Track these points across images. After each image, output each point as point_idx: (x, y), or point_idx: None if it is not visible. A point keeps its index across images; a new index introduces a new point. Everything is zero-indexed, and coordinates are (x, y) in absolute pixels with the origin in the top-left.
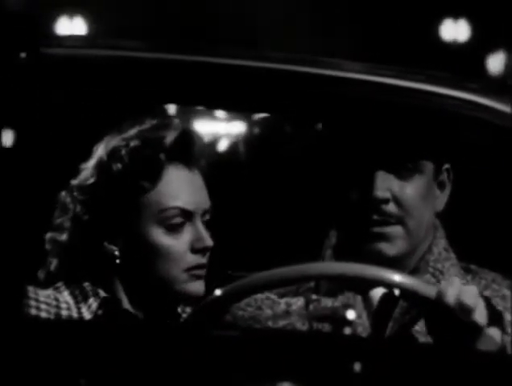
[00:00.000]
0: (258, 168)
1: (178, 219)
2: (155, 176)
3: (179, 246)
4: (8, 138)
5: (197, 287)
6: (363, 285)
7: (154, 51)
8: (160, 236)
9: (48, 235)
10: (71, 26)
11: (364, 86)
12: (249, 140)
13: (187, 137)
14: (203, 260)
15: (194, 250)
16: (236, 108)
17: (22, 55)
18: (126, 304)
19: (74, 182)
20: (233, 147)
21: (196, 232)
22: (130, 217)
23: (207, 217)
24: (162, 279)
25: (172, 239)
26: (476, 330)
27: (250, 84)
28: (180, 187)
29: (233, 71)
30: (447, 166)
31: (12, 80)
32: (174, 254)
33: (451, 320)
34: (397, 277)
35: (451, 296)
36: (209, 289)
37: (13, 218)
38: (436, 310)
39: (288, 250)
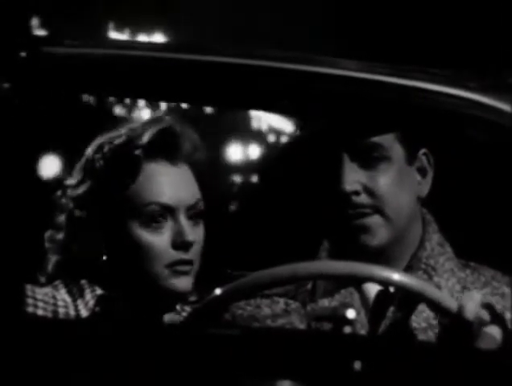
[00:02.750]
0: (257, 170)
1: (158, 215)
2: (133, 172)
3: (159, 242)
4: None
5: (182, 283)
6: (361, 284)
7: (155, 50)
8: (141, 232)
9: (47, 233)
10: None
11: (362, 84)
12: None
13: (167, 134)
14: (185, 255)
15: (175, 245)
16: (231, 106)
17: (23, 54)
18: (122, 301)
19: (67, 180)
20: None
21: (178, 228)
22: (114, 213)
23: (193, 212)
24: (145, 275)
25: (152, 235)
26: (477, 329)
27: (246, 81)
28: (160, 183)
29: (229, 69)
30: (424, 150)
31: (12, 79)
32: (154, 250)
33: (465, 332)
34: (421, 286)
35: (471, 310)
36: (209, 289)
37: (12, 217)
38: (455, 323)
39: (287, 250)
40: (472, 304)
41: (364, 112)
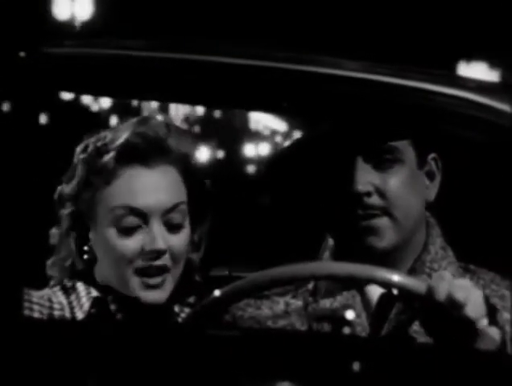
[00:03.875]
0: (258, 171)
1: (130, 220)
2: (106, 176)
3: (128, 248)
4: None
5: (153, 296)
6: (360, 284)
7: (155, 50)
8: (113, 237)
9: (52, 230)
10: None
11: (362, 85)
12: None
13: (140, 138)
14: (152, 262)
15: (143, 253)
16: (234, 106)
17: (22, 54)
18: (117, 304)
19: (63, 177)
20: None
21: (150, 234)
22: (92, 214)
23: (171, 216)
24: (117, 280)
25: (123, 240)
26: (474, 328)
27: (248, 82)
28: (132, 187)
29: (231, 69)
30: (433, 155)
31: (12, 79)
32: (124, 256)
33: (444, 316)
34: (387, 274)
35: (441, 291)
36: (209, 290)
37: (13, 217)
38: (428, 306)
39: (287, 251)
40: (442, 284)
41: (365, 112)
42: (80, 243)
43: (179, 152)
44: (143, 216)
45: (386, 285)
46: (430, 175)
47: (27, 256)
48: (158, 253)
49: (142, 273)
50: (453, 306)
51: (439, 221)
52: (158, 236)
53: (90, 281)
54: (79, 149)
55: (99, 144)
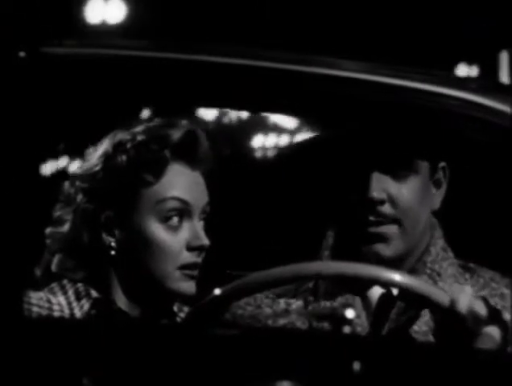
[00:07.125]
0: (258, 170)
1: (176, 212)
2: (159, 171)
3: (175, 242)
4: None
5: (189, 287)
6: (361, 285)
7: (155, 50)
8: (157, 230)
9: (48, 229)
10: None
11: (363, 86)
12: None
13: (193, 138)
14: (198, 259)
15: (190, 248)
16: (234, 107)
17: (22, 54)
18: (121, 303)
19: (77, 171)
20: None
21: (194, 230)
22: (129, 209)
23: (204, 216)
24: (154, 274)
25: (169, 234)
26: (472, 324)
27: (249, 82)
28: (181, 182)
29: (231, 69)
30: (443, 164)
31: (12, 79)
32: (169, 250)
33: (459, 327)
34: (410, 281)
35: (463, 304)
36: (209, 289)
37: (11, 218)
38: (447, 317)
39: (287, 250)
40: (463, 297)
41: (365, 113)
42: (103, 237)
43: (206, 156)
44: (188, 212)
45: (408, 291)
46: (437, 184)
47: (27, 257)
48: (203, 249)
49: (186, 267)
50: (475, 320)
51: (439, 220)
52: (201, 232)
53: (91, 282)
54: (110, 144)
55: (141, 139)
